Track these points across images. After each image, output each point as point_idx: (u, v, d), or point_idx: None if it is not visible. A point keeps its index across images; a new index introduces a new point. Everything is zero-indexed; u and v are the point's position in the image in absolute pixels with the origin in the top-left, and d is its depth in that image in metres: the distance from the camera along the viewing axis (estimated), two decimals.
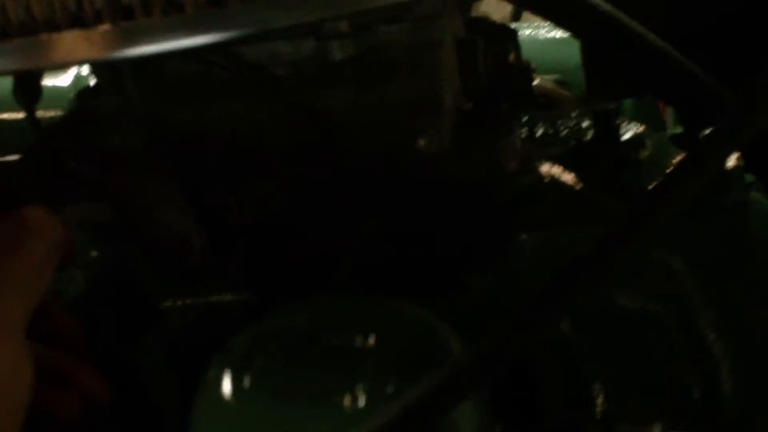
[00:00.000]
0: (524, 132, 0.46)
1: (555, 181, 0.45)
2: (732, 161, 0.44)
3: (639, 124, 0.48)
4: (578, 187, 0.45)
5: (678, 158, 0.44)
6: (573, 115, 0.48)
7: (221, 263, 0.45)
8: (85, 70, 0.69)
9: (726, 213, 0.43)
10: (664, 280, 0.42)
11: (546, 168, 0.45)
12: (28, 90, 0.44)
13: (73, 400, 0.40)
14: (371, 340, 0.31)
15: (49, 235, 0.36)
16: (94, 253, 0.47)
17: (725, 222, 0.43)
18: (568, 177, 0.45)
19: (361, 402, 0.29)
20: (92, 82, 0.65)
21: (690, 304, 0.42)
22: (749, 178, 0.49)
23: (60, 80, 0.70)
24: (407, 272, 0.41)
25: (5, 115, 0.69)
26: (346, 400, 0.29)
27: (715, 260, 0.43)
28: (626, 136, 0.46)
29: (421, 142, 0.42)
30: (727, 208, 0.43)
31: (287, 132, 0.41)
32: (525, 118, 0.48)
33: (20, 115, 0.68)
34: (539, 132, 0.47)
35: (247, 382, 0.31)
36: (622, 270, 0.41)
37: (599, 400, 0.40)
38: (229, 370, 0.31)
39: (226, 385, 0.31)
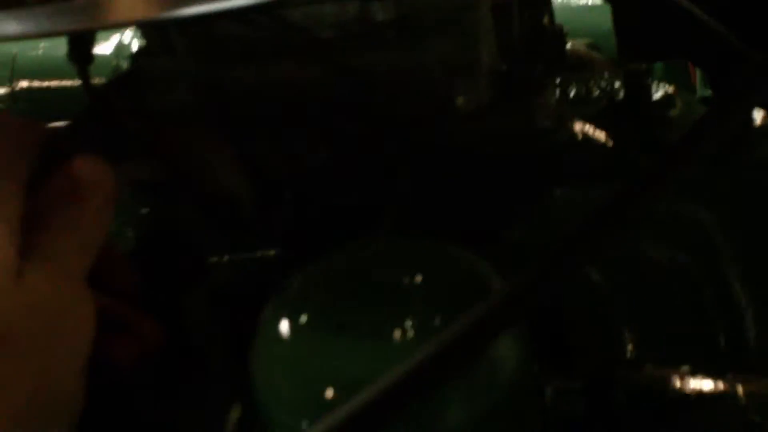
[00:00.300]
0: (558, 93, 0.48)
1: (587, 139, 0.46)
2: (760, 118, 0.45)
3: (669, 86, 0.49)
4: (610, 144, 0.46)
5: None
6: (605, 76, 0.49)
7: (267, 218, 0.47)
8: (126, 37, 0.71)
9: (754, 168, 0.45)
10: (692, 233, 0.44)
11: (579, 126, 0.47)
12: (81, 52, 0.46)
13: (132, 346, 0.42)
14: (418, 278, 0.33)
15: (104, 184, 0.38)
16: (144, 211, 0.49)
17: (753, 177, 0.45)
18: (600, 135, 0.47)
19: (410, 335, 0.31)
20: (134, 48, 0.67)
21: (717, 255, 0.44)
22: None
23: (102, 48, 0.72)
24: (447, 225, 0.42)
25: (61, 83, 0.71)
26: (396, 334, 0.32)
27: (742, 213, 0.44)
28: (656, 96, 0.47)
29: (460, 101, 0.44)
30: (756, 163, 0.45)
31: (330, 91, 0.43)
32: (558, 80, 0.49)
33: (70, 83, 0.70)
34: (572, 93, 0.48)
35: (302, 318, 0.33)
36: (650, 221, 0.43)
37: (628, 345, 0.42)
38: (286, 309, 0.33)
39: (283, 323, 0.33)
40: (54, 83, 0.73)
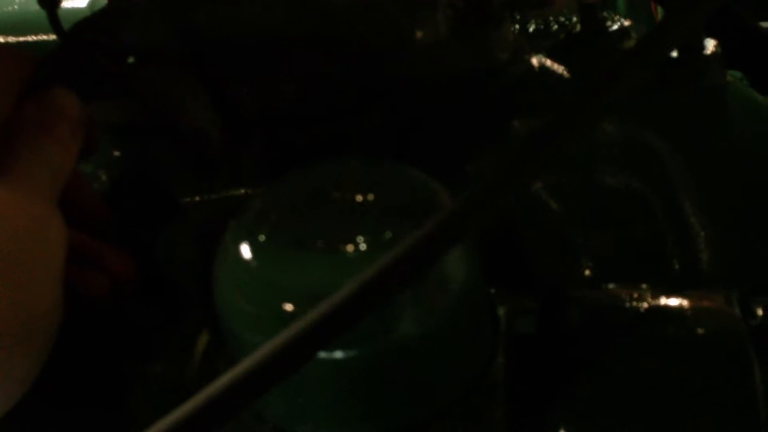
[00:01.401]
0: (516, 28, 0.49)
1: (545, 71, 0.48)
2: (711, 47, 0.47)
3: (627, 20, 0.50)
4: (567, 75, 0.47)
5: None
6: (563, 11, 0.50)
7: (237, 157, 0.48)
8: None
9: (704, 94, 0.46)
10: (646, 159, 0.46)
11: (537, 59, 0.48)
12: None
13: (104, 280, 0.43)
14: (374, 196, 0.35)
15: (72, 113, 0.39)
16: (116, 153, 0.51)
17: (704, 103, 0.46)
18: (558, 67, 0.48)
19: (366, 250, 0.33)
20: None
21: (670, 180, 0.45)
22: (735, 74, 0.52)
23: (77, 1, 0.72)
24: (409, 160, 0.43)
25: (37, 37, 0.72)
26: (352, 249, 0.33)
27: (693, 139, 0.46)
28: (612, 29, 0.49)
29: (419, 35, 0.45)
30: (706, 90, 0.46)
31: (297, 28, 0.44)
32: (518, 16, 0.50)
33: (46, 37, 0.71)
34: (531, 28, 0.49)
35: (261, 237, 0.34)
36: (604, 148, 0.45)
37: (584, 268, 0.44)
38: (244, 230, 0.35)
39: (242, 243, 0.34)
40: (30, 38, 0.73)
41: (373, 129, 0.47)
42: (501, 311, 0.39)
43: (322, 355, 0.33)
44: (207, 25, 0.45)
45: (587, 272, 0.44)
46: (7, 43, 0.74)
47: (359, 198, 0.35)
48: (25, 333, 0.35)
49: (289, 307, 0.33)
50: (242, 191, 0.49)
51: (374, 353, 0.33)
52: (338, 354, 0.33)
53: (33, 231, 0.36)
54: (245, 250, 0.34)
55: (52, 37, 0.65)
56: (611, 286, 0.41)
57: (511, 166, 0.32)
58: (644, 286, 0.40)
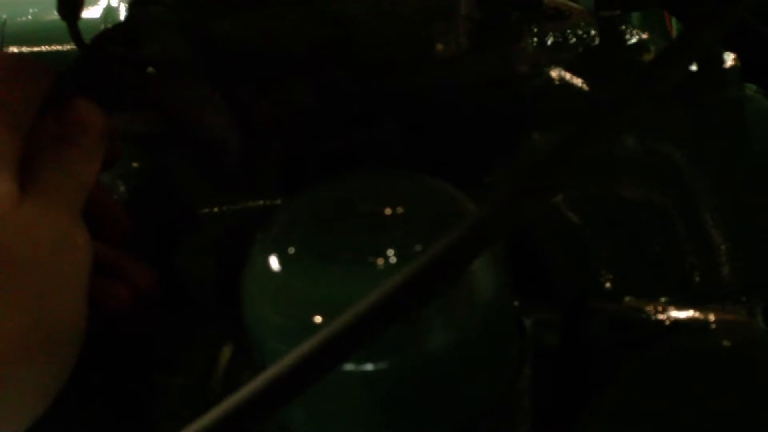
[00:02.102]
0: (535, 41, 0.49)
1: (565, 84, 0.48)
2: (730, 61, 0.47)
3: (644, 33, 0.50)
4: (586, 88, 0.48)
5: None
6: (581, 24, 0.50)
7: (255, 168, 0.48)
8: (114, 0, 0.72)
9: (724, 108, 0.46)
10: (666, 173, 0.46)
11: (556, 72, 0.48)
12: (71, 3, 0.47)
13: (125, 291, 0.43)
14: (401, 208, 0.35)
15: (95, 124, 0.39)
16: (135, 164, 0.51)
17: (723, 116, 0.46)
18: (577, 80, 0.48)
19: (393, 262, 0.33)
20: (122, 13, 0.68)
21: (690, 194, 0.45)
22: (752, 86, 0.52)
23: (91, 12, 0.72)
24: (428, 170, 0.44)
25: (51, 47, 0.72)
26: (380, 261, 0.33)
27: (713, 152, 0.46)
28: (631, 42, 0.49)
29: (438, 47, 0.45)
30: (725, 104, 0.46)
31: (314, 40, 0.44)
32: (536, 29, 0.50)
33: (60, 47, 0.71)
34: (549, 41, 0.50)
35: (289, 249, 0.34)
36: (624, 162, 0.45)
37: (606, 281, 0.44)
38: (272, 241, 0.35)
39: (270, 254, 0.34)
40: (44, 48, 0.74)
41: (390, 141, 0.47)
42: (526, 322, 0.39)
43: (349, 366, 0.33)
44: (226, 37, 0.45)
45: (608, 285, 0.44)
46: (21, 54, 0.74)
47: (388, 210, 0.35)
48: (50, 345, 0.36)
49: (317, 318, 0.33)
50: (260, 203, 0.49)
51: (402, 365, 0.33)
52: (365, 366, 0.33)
53: (58, 242, 0.36)
54: (273, 262, 0.34)
55: (67, 47, 0.65)
56: (633, 298, 0.41)
57: (537, 175, 0.32)
58: (666, 299, 0.40)
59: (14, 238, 0.35)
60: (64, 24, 0.46)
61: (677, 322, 0.38)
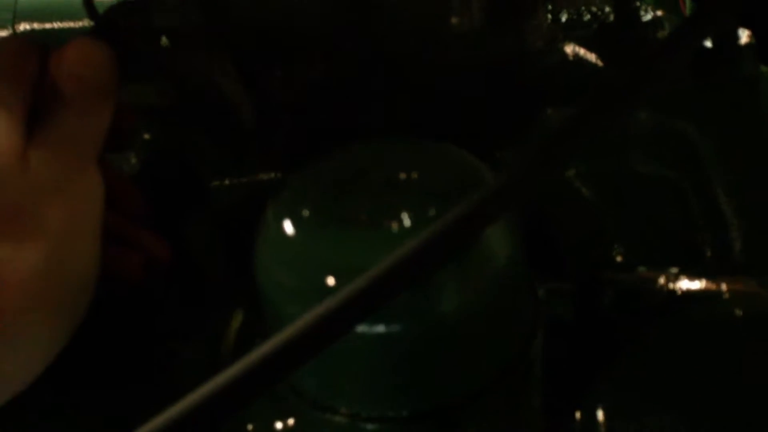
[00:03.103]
0: (549, 17, 0.49)
1: (579, 60, 0.48)
2: (745, 37, 0.47)
3: (659, 10, 0.50)
4: (600, 64, 0.47)
5: None
6: (596, 1, 0.50)
7: (267, 140, 0.48)
8: None
9: (738, 83, 0.46)
10: (680, 148, 0.46)
11: (570, 48, 0.48)
12: None
13: (138, 260, 0.43)
14: (417, 173, 0.35)
15: (98, 61, 0.40)
16: (147, 136, 0.51)
17: (737, 92, 0.46)
18: (591, 56, 0.48)
19: (408, 226, 0.33)
20: None
21: (703, 169, 0.45)
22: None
23: None
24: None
25: (63, 24, 0.72)
26: (395, 225, 0.33)
27: (727, 128, 0.46)
28: (645, 18, 0.49)
29: (453, 22, 0.45)
30: (740, 80, 0.46)
31: (328, 13, 0.44)
32: (550, 6, 0.50)
33: (72, 24, 0.71)
34: (563, 17, 0.49)
35: (303, 213, 0.34)
36: (639, 138, 0.45)
37: (618, 252, 0.44)
38: (286, 205, 0.35)
39: (284, 218, 0.34)
40: (56, 25, 0.73)
41: (404, 115, 0.47)
42: (540, 292, 0.39)
43: (363, 329, 0.33)
44: (240, 8, 0.45)
45: (620, 259, 0.44)
46: (32, 31, 0.74)
47: (402, 175, 0.35)
48: (62, 292, 0.36)
49: (331, 281, 0.33)
50: (272, 175, 0.49)
51: (416, 329, 0.33)
52: (379, 329, 0.33)
53: (68, 189, 0.36)
54: (287, 225, 0.34)
55: (79, 23, 0.65)
56: (646, 269, 0.41)
57: (551, 147, 0.32)
58: (677, 269, 0.40)
59: (22, 188, 0.35)
60: (77, 1, 0.46)
61: (689, 292, 0.38)
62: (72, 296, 0.36)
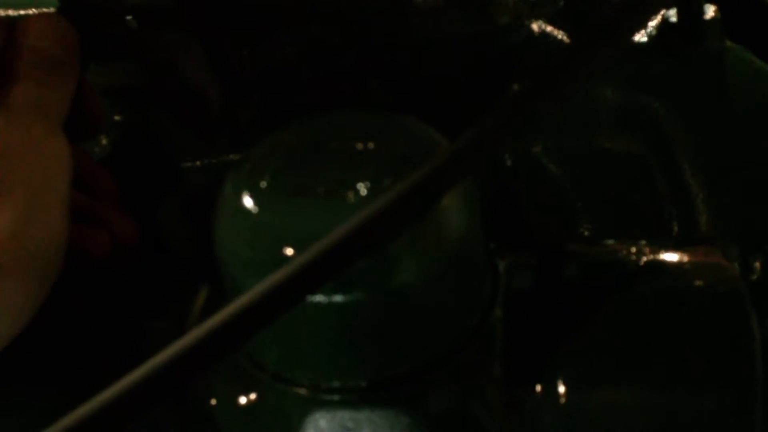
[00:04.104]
0: None
1: (545, 37, 0.48)
2: (710, 12, 0.47)
3: None
4: (566, 41, 0.48)
5: None
6: None
7: (236, 120, 0.48)
8: None
9: (704, 59, 0.46)
10: (644, 122, 0.46)
11: (536, 25, 0.48)
12: None
13: (106, 238, 0.43)
14: (374, 144, 0.35)
15: (57, 34, 0.40)
16: (117, 118, 0.51)
17: (703, 67, 0.46)
18: (558, 33, 0.48)
19: (365, 195, 0.33)
20: None
21: (669, 143, 0.45)
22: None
23: None
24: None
25: (38, 10, 0.72)
26: (351, 194, 0.33)
27: (692, 103, 0.46)
28: None
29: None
30: (705, 55, 0.46)
31: None
32: None
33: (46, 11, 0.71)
34: None
35: (260, 184, 0.35)
36: (604, 113, 0.45)
37: (585, 228, 0.44)
38: (244, 177, 0.35)
39: (242, 190, 0.34)
40: (31, 11, 0.73)
41: (371, 91, 0.47)
42: (500, 266, 0.39)
43: (320, 299, 0.33)
44: None
45: (586, 233, 0.44)
46: (7, 17, 0.74)
47: (360, 146, 0.35)
48: (28, 259, 0.35)
49: (289, 251, 0.33)
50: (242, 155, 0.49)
51: (373, 298, 0.33)
52: (336, 298, 0.33)
53: (32, 153, 0.36)
54: (245, 198, 0.35)
55: (53, 11, 0.65)
56: (610, 242, 0.41)
57: (503, 116, 0.32)
58: (643, 242, 0.40)
59: None
60: None
61: (651, 263, 0.38)
62: (39, 263, 0.36)
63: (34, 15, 0.40)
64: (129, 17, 0.47)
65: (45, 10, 0.66)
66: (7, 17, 0.50)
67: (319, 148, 0.36)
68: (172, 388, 0.30)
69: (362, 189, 0.33)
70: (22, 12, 0.70)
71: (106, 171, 0.46)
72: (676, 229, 0.44)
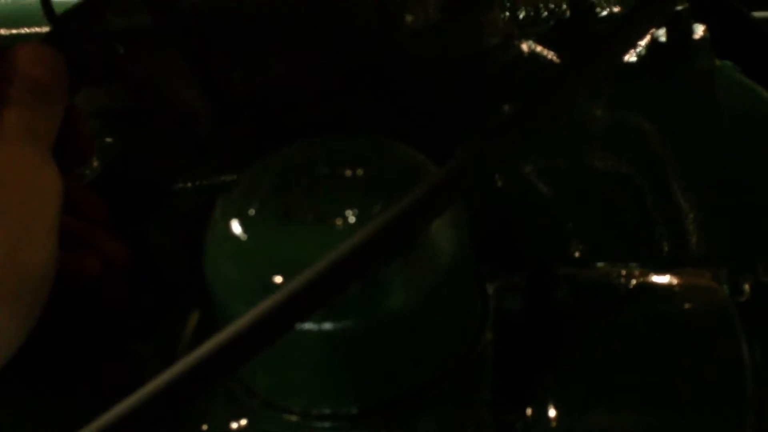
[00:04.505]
0: (506, 14, 0.49)
1: (535, 56, 0.48)
2: (700, 32, 0.47)
3: (615, 5, 0.51)
4: (556, 61, 0.48)
5: None
6: None
7: (227, 140, 0.48)
8: None
9: (693, 78, 0.46)
10: (635, 143, 0.46)
11: (526, 45, 0.48)
12: None
13: (96, 262, 0.43)
14: (362, 169, 0.35)
15: (45, 61, 0.40)
16: (108, 140, 0.51)
17: (692, 87, 0.46)
18: (548, 53, 0.48)
19: (353, 222, 0.33)
20: None
21: (659, 163, 0.45)
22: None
23: None
24: (399, 140, 0.44)
25: (31, 30, 0.72)
26: (339, 221, 0.33)
27: (682, 123, 0.46)
28: (602, 15, 0.49)
29: (409, 17, 0.45)
30: (695, 74, 0.46)
31: (285, 8, 0.44)
32: (507, 2, 0.50)
33: (40, 29, 0.71)
34: (521, 14, 0.50)
35: (249, 211, 0.35)
36: (594, 133, 0.45)
37: (575, 248, 0.44)
38: (233, 204, 0.35)
39: (231, 216, 0.35)
40: (24, 30, 0.73)
41: (363, 112, 0.47)
42: (490, 289, 0.39)
43: (310, 326, 0.33)
44: (192, 7, 0.45)
45: (577, 254, 0.44)
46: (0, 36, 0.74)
47: (348, 172, 0.35)
48: (17, 287, 0.35)
49: (278, 279, 0.33)
50: (233, 177, 0.49)
51: (362, 326, 0.33)
52: (325, 326, 0.33)
53: (23, 180, 0.36)
54: (234, 224, 0.35)
55: (46, 29, 0.65)
56: (600, 264, 0.41)
57: (490, 139, 0.32)
58: (633, 264, 0.40)
59: None
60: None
61: (642, 286, 0.38)
62: (29, 290, 0.36)
63: (23, 44, 0.40)
64: (115, 41, 0.47)
65: (36, 29, 0.67)
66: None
67: (309, 174, 0.36)
68: (161, 416, 0.30)
69: (351, 216, 0.33)
70: (14, 30, 0.70)
71: (94, 195, 0.46)
72: (666, 249, 0.44)
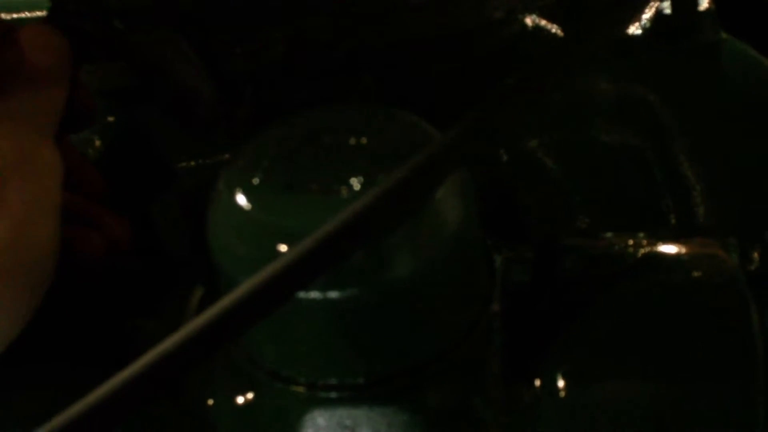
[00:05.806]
0: None
1: (539, 30, 0.47)
2: (704, 4, 0.46)
3: None
4: (560, 35, 0.47)
5: None
6: None
7: (230, 118, 0.48)
8: None
9: (698, 50, 0.46)
10: (642, 115, 0.45)
11: (530, 19, 0.48)
12: None
13: (99, 239, 0.43)
14: (367, 139, 0.35)
15: (49, 44, 0.40)
16: (110, 119, 0.51)
17: (698, 58, 0.46)
18: (551, 26, 0.48)
19: (358, 190, 0.33)
20: None
21: (666, 135, 0.45)
22: None
23: None
24: None
25: (32, 14, 0.72)
26: (344, 190, 0.33)
27: (688, 95, 0.46)
28: None
29: None
30: (700, 47, 0.46)
31: None
32: None
33: (41, 14, 0.70)
34: None
35: (253, 181, 0.34)
36: (600, 106, 0.45)
37: (582, 221, 0.43)
38: (236, 174, 0.35)
39: (235, 187, 0.34)
40: (25, 15, 0.73)
41: (366, 87, 0.47)
42: (497, 261, 0.39)
43: (316, 295, 0.33)
44: None
45: (583, 226, 0.44)
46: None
47: (353, 141, 0.35)
48: (21, 268, 0.35)
49: (282, 247, 0.32)
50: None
51: (368, 294, 0.33)
52: (331, 294, 0.33)
53: (24, 162, 0.36)
54: (238, 193, 0.34)
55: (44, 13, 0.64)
56: (607, 235, 0.41)
57: (493, 106, 0.32)
58: (640, 234, 0.40)
59: None
60: None
61: (650, 255, 0.38)
62: (34, 271, 0.36)
63: (26, 26, 0.40)
64: (114, 19, 0.46)
65: (38, 13, 0.66)
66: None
67: (312, 143, 0.35)
68: (164, 384, 0.30)
69: (356, 184, 0.33)
70: (15, 15, 0.70)
71: (96, 169, 0.45)
72: (673, 220, 0.44)
